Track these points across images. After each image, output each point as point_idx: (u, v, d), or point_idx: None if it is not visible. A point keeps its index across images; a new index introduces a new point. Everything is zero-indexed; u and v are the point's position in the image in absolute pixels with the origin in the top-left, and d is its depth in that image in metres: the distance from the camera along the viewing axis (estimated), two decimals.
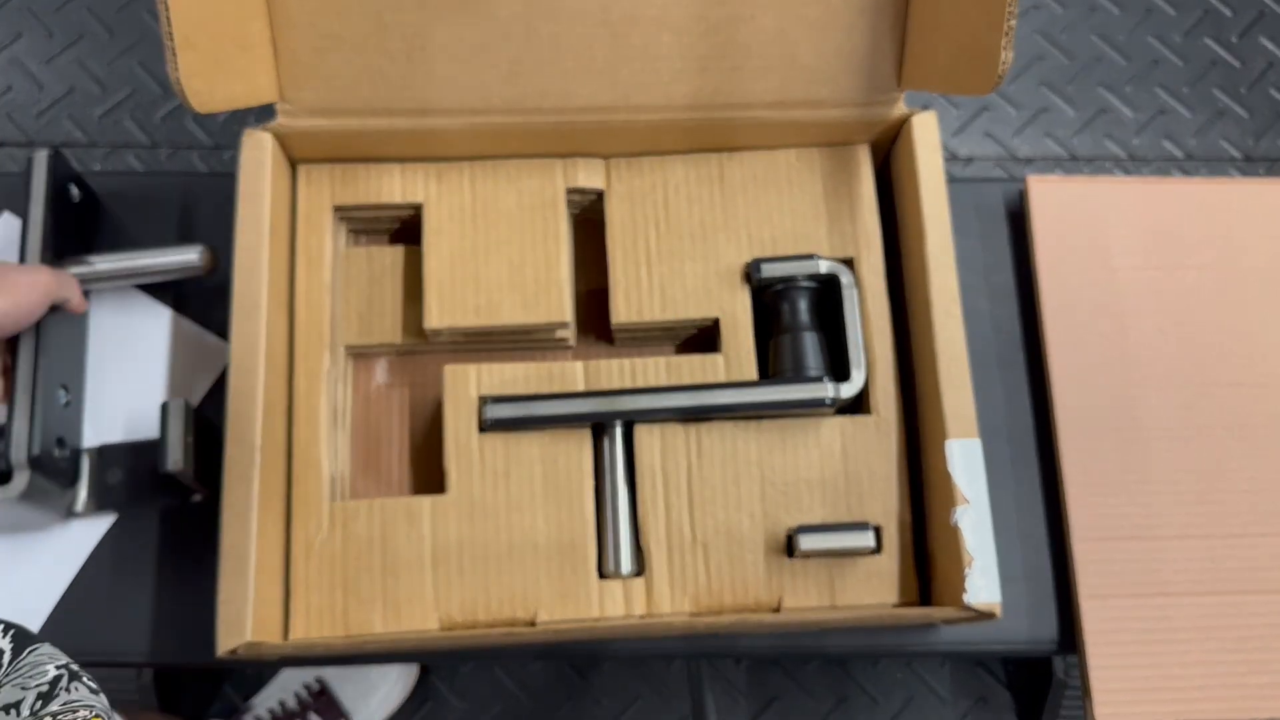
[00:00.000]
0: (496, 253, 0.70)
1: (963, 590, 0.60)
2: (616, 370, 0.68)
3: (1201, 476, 0.72)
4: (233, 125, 1.34)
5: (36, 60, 1.40)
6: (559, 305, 0.70)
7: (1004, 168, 1.39)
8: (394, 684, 1.14)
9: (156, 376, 0.72)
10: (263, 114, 0.68)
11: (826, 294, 0.71)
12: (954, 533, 0.62)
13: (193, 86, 0.60)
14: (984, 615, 0.61)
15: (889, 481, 0.67)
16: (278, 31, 0.65)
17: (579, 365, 0.68)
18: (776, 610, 0.64)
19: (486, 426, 0.66)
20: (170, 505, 0.69)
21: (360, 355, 0.72)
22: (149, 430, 0.69)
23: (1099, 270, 0.76)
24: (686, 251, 0.71)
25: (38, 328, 0.66)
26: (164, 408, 0.64)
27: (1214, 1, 1.47)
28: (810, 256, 0.69)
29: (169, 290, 0.74)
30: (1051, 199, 0.78)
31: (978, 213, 0.79)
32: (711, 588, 0.65)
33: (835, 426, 0.68)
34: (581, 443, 0.67)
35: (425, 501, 0.66)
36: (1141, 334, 0.75)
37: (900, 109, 0.69)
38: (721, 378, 0.68)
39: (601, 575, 0.65)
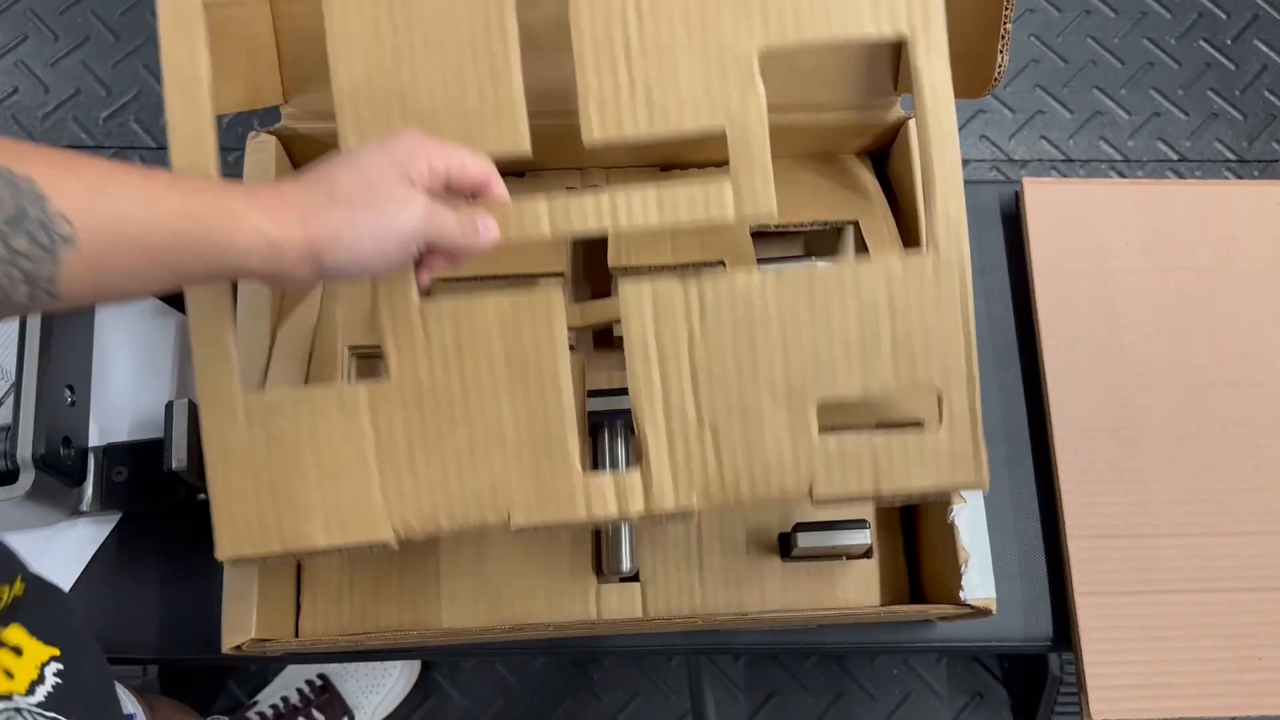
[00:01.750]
0: (425, 62, 0.55)
1: (959, 587, 0.61)
2: (591, 208, 0.54)
3: (1196, 475, 0.72)
4: (237, 128, 1.34)
5: (41, 63, 1.41)
6: (512, 132, 0.55)
7: (1000, 170, 1.40)
8: (396, 680, 1.14)
9: (161, 376, 0.73)
10: (267, 117, 0.68)
11: None
12: (949, 530, 0.62)
13: None
14: (980, 612, 0.61)
15: (953, 337, 0.55)
16: (282, 36, 0.66)
17: (542, 204, 0.54)
18: (808, 492, 0.55)
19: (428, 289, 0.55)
20: (175, 503, 0.69)
21: (365, 356, 0.72)
22: (154, 430, 0.70)
23: (1094, 271, 0.77)
24: (679, 40, 0.54)
25: (43, 329, 0.66)
26: (169, 407, 0.65)
27: (1209, 4, 1.48)
28: (807, 257, 0.70)
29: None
30: (1047, 201, 0.79)
31: (973, 214, 0.80)
32: (724, 477, 0.54)
33: (879, 273, 0.54)
34: (550, 304, 0.54)
35: (361, 390, 0.55)
36: (1136, 334, 0.75)
37: (897, 112, 0.70)
38: (729, 212, 0.54)
39: (588, 468, 0.56)
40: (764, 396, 0.54)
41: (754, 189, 0.54)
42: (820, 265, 0.55)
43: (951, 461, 0.54)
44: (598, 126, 0.54)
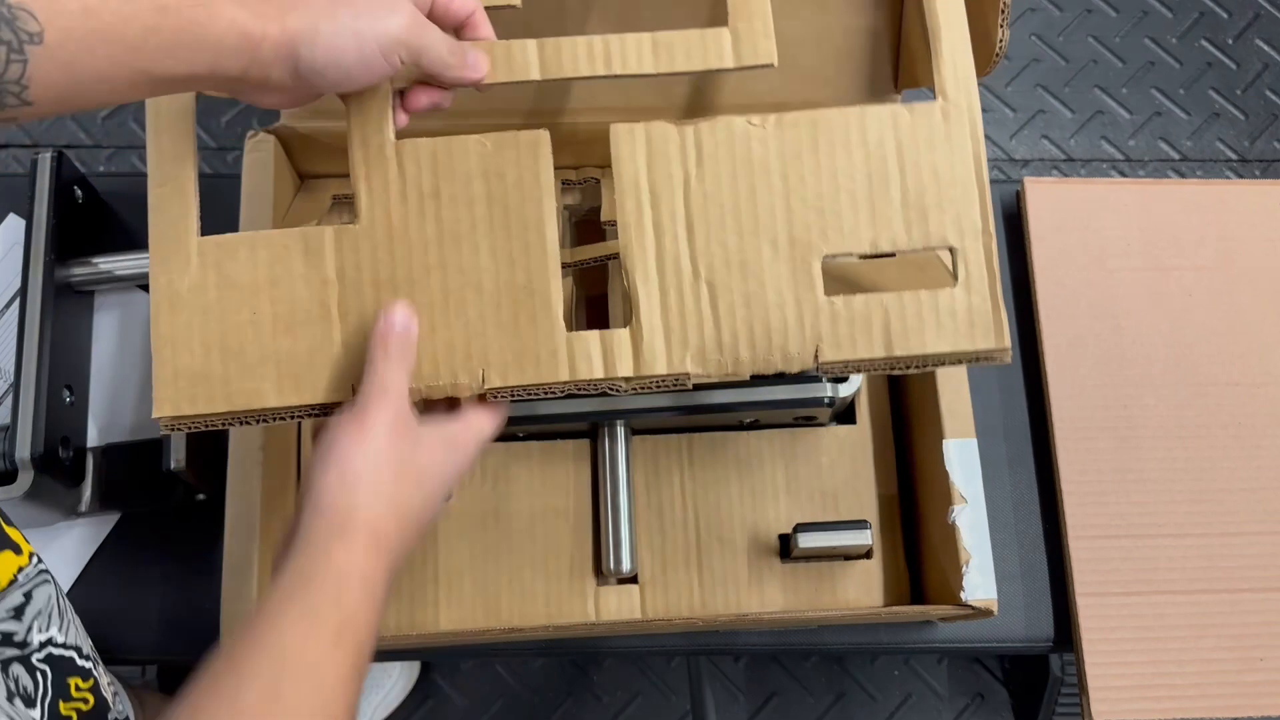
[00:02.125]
0: None
1: (960, 588, 0.61)
2: (584, 52, 0.52)
3: (1197, 475, 0.72)
4: (236, 126, 1.34)
5: None
6: None
7: (1001, 169, 1.40)
8: (396, 680, 1.14)
9: None
10: (266, 116, 0.68)
11: None
12: (950, 531, 0.62)
13: None
14: (981, 612, 0.61)
15: (966, 189, 0.51)
16: None
17: (532, 46, 0.52)
18: (813, 357, 0.52)
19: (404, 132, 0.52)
20: (174, 504, 0.69)
21: None
22: (153, 430, 0.70)
23: (1095, 271, 0.77)
24: None
25: (42, 329, 0.66)
26: None
27: (1210, 4, 1.48)
28: None
29: None
30: (1048, 200, 0.79)
31: None
32: (722, 339, 0.50)
33: (885, 117, 0.52)
34: (537, 144, 0.51)
35: (327, 233, 0.50)
36: (1137, 334, 0.75)
37: None
38: (728, 59, 0.52)
39: (572, 328, 0.51)
40: (765, 249, 0.50)
41: (753, 33, 0.52)
42: (823, 110, 0.52)
43: (970, 323, 0.50)
44: None
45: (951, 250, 0.51)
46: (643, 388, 0.50)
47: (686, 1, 0.57)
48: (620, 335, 0.50)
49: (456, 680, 1.19)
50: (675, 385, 0.50)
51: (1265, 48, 1.46)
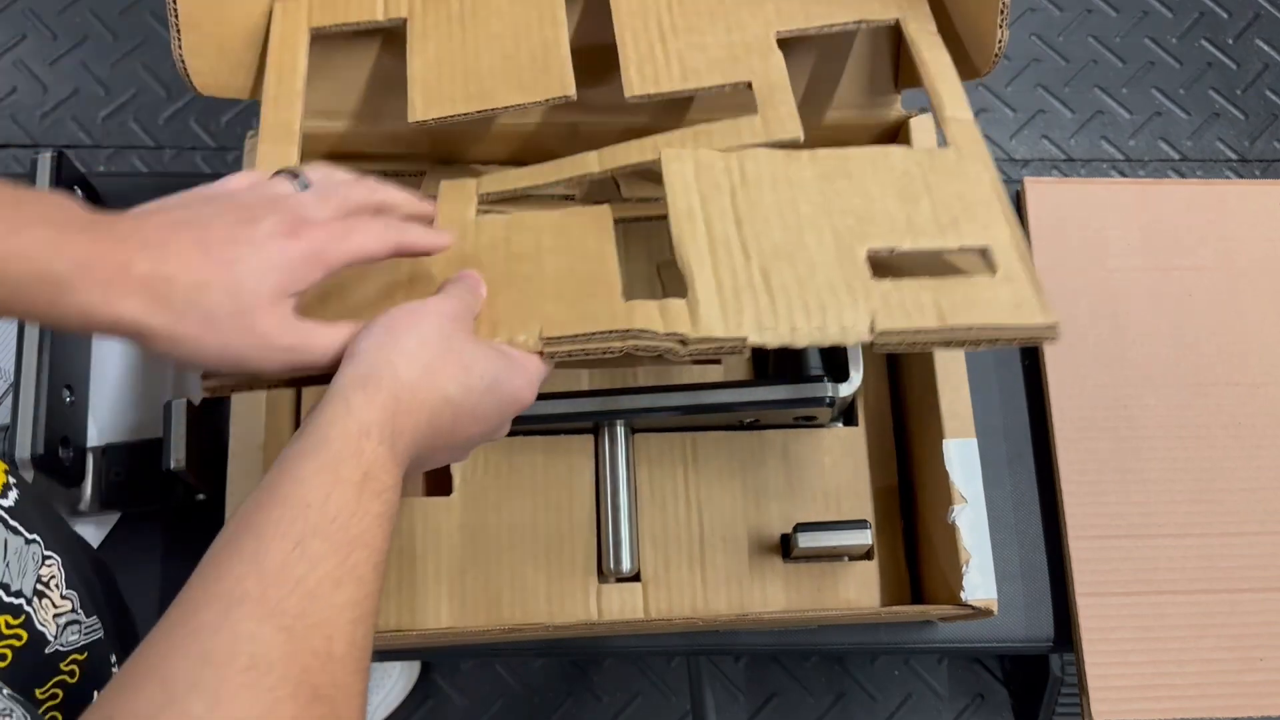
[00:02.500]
0: (487, 47, 0.62)
1: (960, 587, 0.61)
2: (635, 151, 0.58)
3: (1197, 475, 0.72)
4: (236, 127, 1.34)
5: (40, 62, 1.41)
6: (560, 78, 0.60)
7: (1001, 169, 1.39)
8: (396, 680, 1.14)
9: (160, 376, 0.73)
10: None
11: None
12: (950, 531, 0.62)
13: (195, 65, 0.59)
14: (981, 612, 0.61)
15: (989, 206, 0.55)
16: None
17: (593, 155, 0.60)
18: (869, 327, 0.52)
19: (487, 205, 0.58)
20: (174, 504, 0.69)
21: None
22: (153, 430, 0.70)
23: (1095, 271, 0.77)
24: (704, 26, 0.62)
25: (41, 328, 0.66)
26: (167, 407, 0.65)
27: (1210, 4, 1.48)
28: None
29: None
30: (1048, 200, 0.79)
31: None
32: (777, 309, 0.51)
33: (908, 153, 0.57)
34: (602, 224, 0.56)
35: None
36: (1137, 334, 0.75)
37: (898, 111, 0.70)
38: (759, 135, 0.58)
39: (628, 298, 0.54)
40: (810, 241, 0.52)
41: (780, 121, 0.58)
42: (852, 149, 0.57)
43: (1016, 306, 0.51)
44: (638, 83, 0.59)
45: (986, 250, 0.53)
46: (699, 353, 0.50)
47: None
48: (677, 303, 0.51)
49: (456, 680, 1.19)
50: (732, 351, 0.51)
51: (1265, 48, 1.46)
